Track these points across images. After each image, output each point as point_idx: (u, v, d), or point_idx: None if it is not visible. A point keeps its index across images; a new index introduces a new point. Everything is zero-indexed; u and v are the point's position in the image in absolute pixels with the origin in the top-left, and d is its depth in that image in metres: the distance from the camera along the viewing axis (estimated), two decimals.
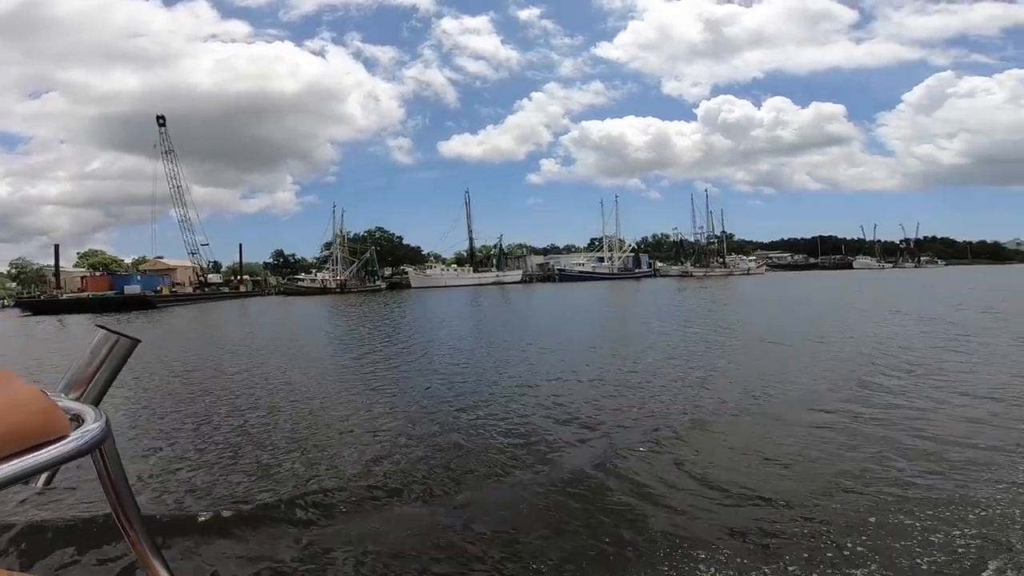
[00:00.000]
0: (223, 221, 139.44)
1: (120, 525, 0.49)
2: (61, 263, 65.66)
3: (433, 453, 5.50)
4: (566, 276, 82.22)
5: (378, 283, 79.77)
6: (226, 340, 19.23)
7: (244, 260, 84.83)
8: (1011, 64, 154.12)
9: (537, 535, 3.70)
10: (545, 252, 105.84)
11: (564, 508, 4.11)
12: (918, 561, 3.14)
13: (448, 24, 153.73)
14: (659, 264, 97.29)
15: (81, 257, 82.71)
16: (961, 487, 4.11)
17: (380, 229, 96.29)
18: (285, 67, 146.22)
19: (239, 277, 78.99)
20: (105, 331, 0.52)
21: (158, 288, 57.74)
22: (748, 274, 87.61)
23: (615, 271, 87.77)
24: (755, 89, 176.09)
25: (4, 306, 59.04)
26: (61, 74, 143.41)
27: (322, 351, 15.32)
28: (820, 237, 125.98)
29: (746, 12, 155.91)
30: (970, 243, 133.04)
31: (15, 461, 0.36)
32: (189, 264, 70.86)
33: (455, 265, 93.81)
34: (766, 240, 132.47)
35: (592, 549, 3.50)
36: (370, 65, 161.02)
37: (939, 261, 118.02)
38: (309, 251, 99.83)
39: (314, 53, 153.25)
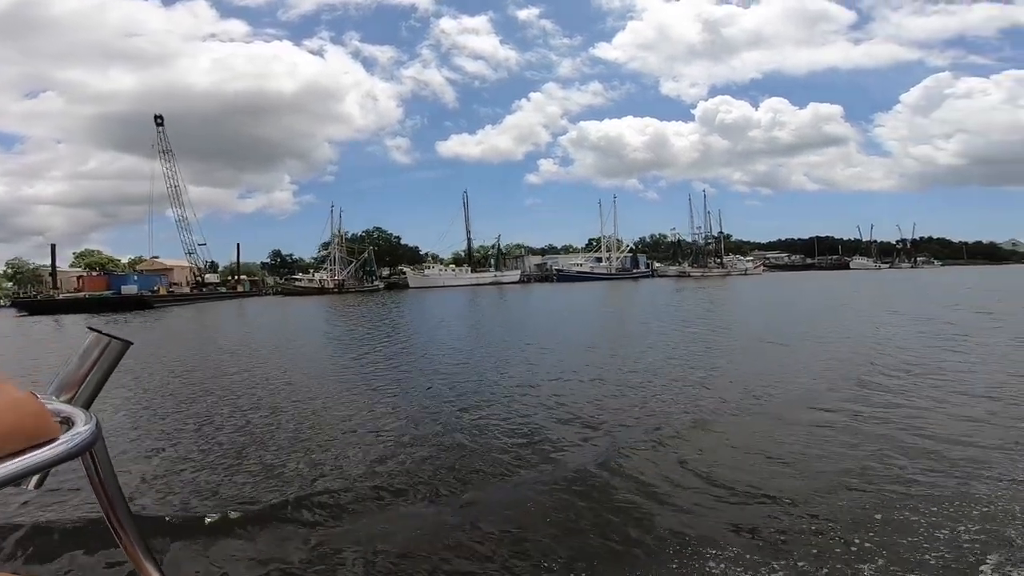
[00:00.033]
0: (220, 221, 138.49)
1: (112, 528, 0.49)
2: (57, 263, 65.36)
3: (437, 453, 5.51)
4: (564, 276, 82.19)
5: (376, 283, 79.69)
6: (225, 340, 19.15)
7: (241, 260, 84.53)
8: (1008, 65, 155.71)
9: (545, 534, 3.72)
10: (543, 252, 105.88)
11: (571, 507, 4.13)
12: (926, 557, 3.18)
13: (447, 24, 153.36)
14: (657, 264, 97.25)
15: (77, 257, 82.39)
16: (963, 484, 4.16)
17: (378, 229, 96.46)
18: (283, 66, 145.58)
19: (236, 277, 78.56)
20: (97, 333, 0.52)
21: (155, 288, 57.61)
22: (745, 274, 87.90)
23: (613, 271, 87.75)
24: (753, 90, 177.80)
25: (0, 306, 58.70)
26: (58, 73, 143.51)
27: (322, 351, 15.32)
28: (817, 237, 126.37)
29: (744, 13, 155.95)
30: (966, 243, 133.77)
31: (3, 464, 0.36)
32: (186, 264, 70.73)
33: (453, 265, 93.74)
34: (763, 240, 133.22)
35: (601, 547, 3.52)
36: (368, 65, 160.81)
37: (935, 261, 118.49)
38: (307, 251, 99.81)
39: (312, 52, 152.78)
